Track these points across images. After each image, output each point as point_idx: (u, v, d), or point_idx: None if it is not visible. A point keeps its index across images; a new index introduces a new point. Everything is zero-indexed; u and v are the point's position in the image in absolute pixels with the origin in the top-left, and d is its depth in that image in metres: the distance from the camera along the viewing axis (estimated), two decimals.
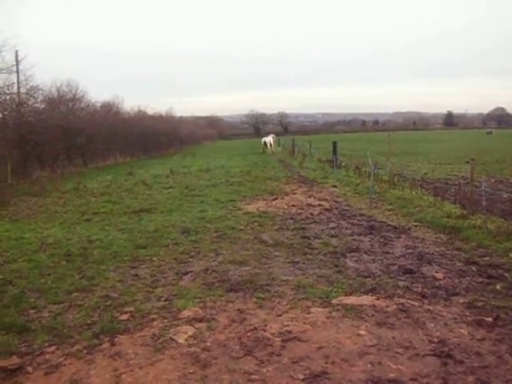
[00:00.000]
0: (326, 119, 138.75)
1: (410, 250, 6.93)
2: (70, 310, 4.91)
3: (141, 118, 42.69)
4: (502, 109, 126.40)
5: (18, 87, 23.33)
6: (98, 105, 34.95)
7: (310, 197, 12.68)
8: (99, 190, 15.75)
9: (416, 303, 4.78)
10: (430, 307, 4.68)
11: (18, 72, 23.36)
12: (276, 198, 12.41)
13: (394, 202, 11.15)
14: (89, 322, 4.58)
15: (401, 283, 5.42)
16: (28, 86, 23.30)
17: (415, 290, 5.19)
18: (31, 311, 4.91)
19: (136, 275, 6.05)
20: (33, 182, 18.53)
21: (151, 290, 5.44)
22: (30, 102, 23.38)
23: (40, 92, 24.43)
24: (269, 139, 36.90)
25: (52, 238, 8.35)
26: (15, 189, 15.77)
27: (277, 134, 48.94)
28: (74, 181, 18.36)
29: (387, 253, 6.85)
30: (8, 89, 21.74)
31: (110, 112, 36.16)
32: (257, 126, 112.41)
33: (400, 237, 7.87)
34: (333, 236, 7.97)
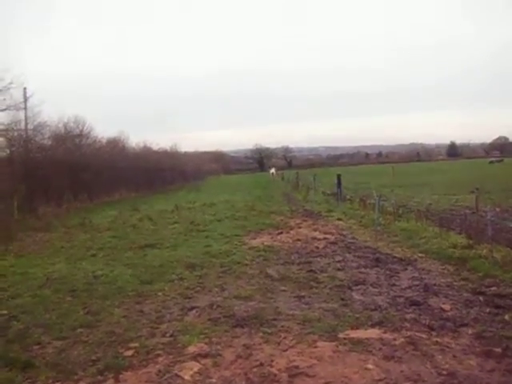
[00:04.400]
0: (329, 152, 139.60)
1: (417, 282, 6.88)
2: (75, 346, 4.88)
3: (146, 154, 43.16)
4: (505, 138, 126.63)
5: (26, 124, 23.67)
6: (104, 140, 35.47)
7: (315, 230, 12.65)
8: (104, 225, 15.80)
9: (424, 335, 4.73)
10: (438, 339, 4.62)
11: (25, 109, 23.74)
12: (281, 232, 12.39)
13: (399, 233, 11.12)
14: (93, 358, 4.54)
15: (408, 315, 5.37)
16: (35, 123, 23.73)
17: (423, 322, 5.14)
18: (35, 347, 4.89)
19: (141, 311, 6.02)
20: (39, 217, 18.63)
21: (156, 326, 5.40)
22: (37, 139, 23.77)
23: (47, 128, 24.87)
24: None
25: (57, 273, 8.35)
26: (21, 224, 15.86)
27: (281, 168, 73.09)
28: (79, 216, 18.43)
29: (393, 285, 6.81)
30: (16, 125, 22.17)
31: (115, 148, 36.65)
32: (261, 160, 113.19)
33: (406, 269, 7.82)
34: (339, 269, 7.93)
